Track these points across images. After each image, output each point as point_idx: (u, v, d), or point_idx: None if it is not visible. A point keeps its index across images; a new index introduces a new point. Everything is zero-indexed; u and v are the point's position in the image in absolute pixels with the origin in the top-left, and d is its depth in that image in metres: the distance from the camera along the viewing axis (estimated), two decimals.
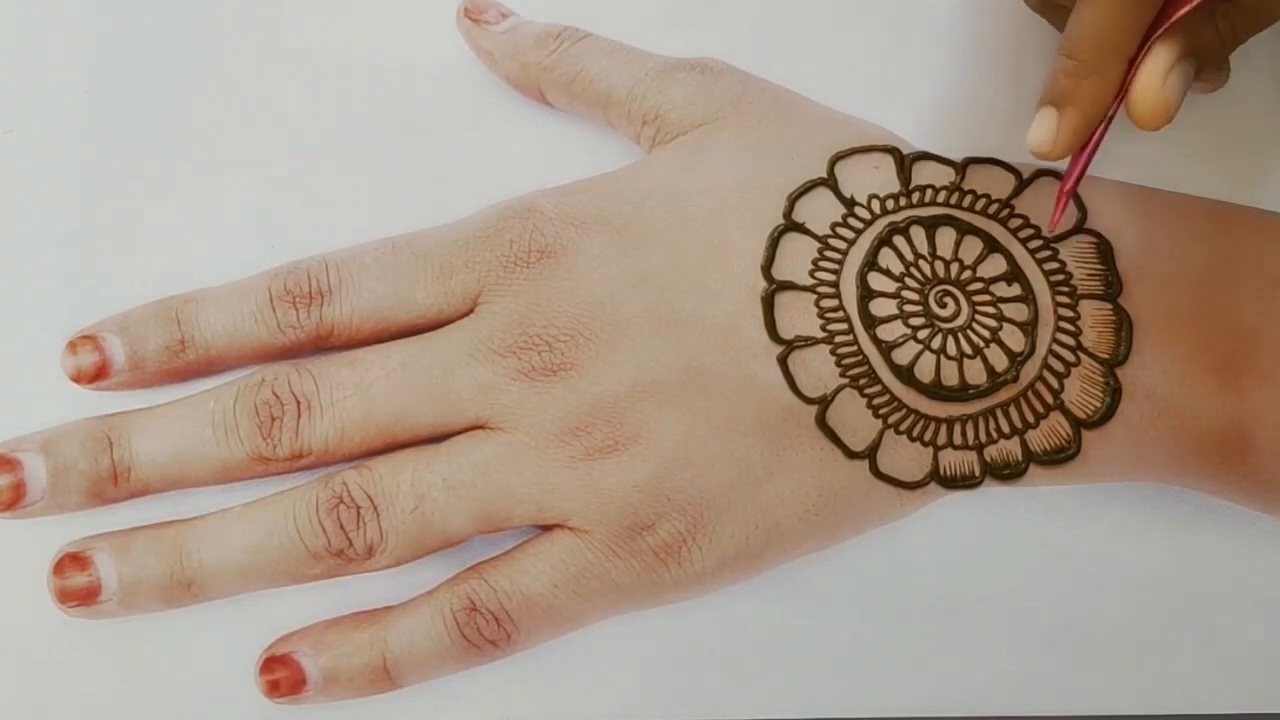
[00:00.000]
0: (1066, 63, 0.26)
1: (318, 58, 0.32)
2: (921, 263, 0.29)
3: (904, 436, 0.28)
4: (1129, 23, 0.26)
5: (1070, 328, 0.28)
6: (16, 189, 0.31)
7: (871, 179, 0.30)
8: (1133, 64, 0.26)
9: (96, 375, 0.29)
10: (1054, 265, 0.29)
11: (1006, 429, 0.28)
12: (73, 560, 0.28)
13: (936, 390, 0.28)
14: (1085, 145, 0.27)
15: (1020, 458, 0.28)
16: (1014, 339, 0.28)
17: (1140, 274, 0.29)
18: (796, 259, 0.29)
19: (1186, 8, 0.25)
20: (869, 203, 0.29)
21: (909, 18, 0.33)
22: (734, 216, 0.29)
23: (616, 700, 0.29)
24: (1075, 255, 0.29)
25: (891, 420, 0.28)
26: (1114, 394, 0.28)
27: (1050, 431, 0.28)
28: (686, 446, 0.27)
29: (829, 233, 0.29)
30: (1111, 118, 0.27)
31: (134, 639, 0.29)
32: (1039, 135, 0.27)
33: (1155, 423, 0.28)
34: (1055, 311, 0.29)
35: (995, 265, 0.29)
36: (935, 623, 0.30)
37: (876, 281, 0.29)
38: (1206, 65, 0.27)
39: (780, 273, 0.29)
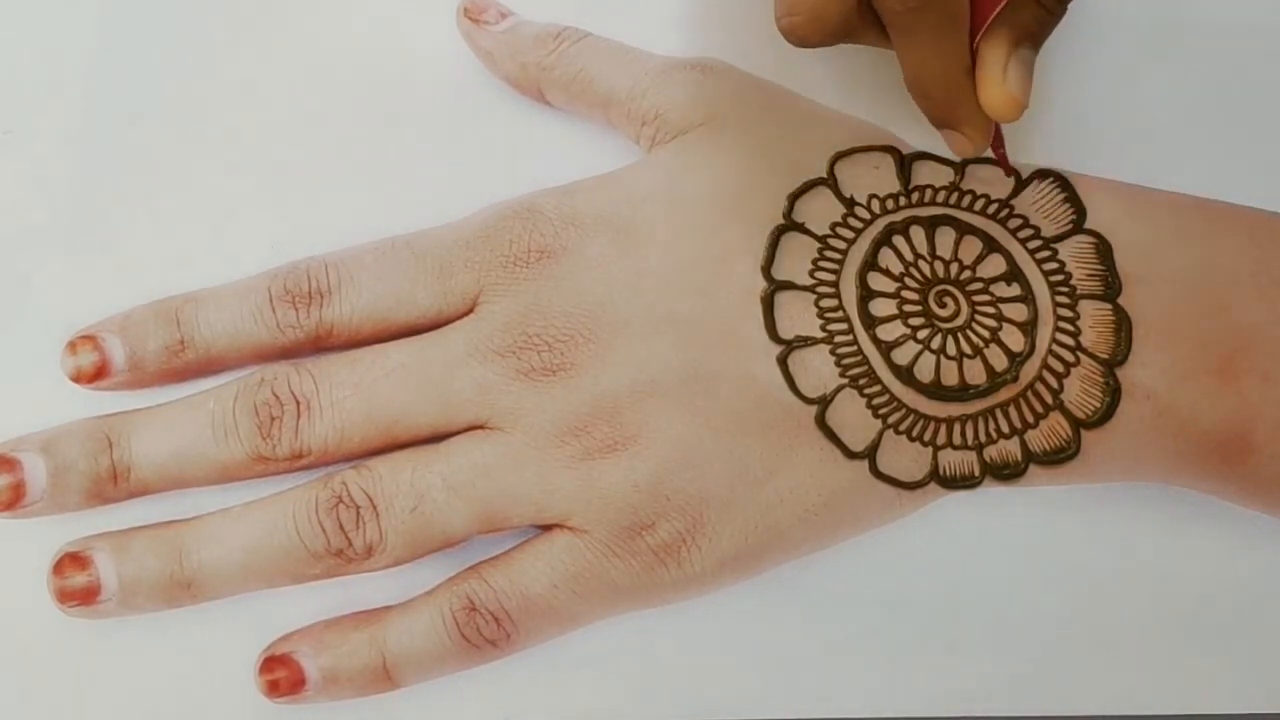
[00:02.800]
0: (925, 103, 0.28)
1: (317, 58, 0.32)
2: (921, 263, 0.29)
3: (904, 436, 0.28)
4: (950, 56, 0.26)
5: (1070, 328, 0.28)
6: (16, 189, 0.31)
7: (871, 179, 0.30)
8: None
9: (96, 375, 0.29)
10: (1053, 265, 0.29)
11: (1006, 429, 0.28)
12: (72, 560, 0.28)
13: (936, 390, 0.28)
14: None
15: (1020, 458, 0.28)
16: (1013, 339, 0.28)
17: (1140, 274, 0.29)
18: (796, 259, 0.29)
19: (991, 15, 0.25)
20: (869, 202, 0.29)
21: None
22: (734, 216, 0.29)
23: (616, 700, 0.29)
24: (1074, 255, 0.29)
25: (891, 420, 0.28)
26: (1114, 394, 0.28)
27: (1050, 431, 0.28)
28: (686, 446, 0.27)
29: (829, 232, 0.29)
30: None
31: (134, 639, 0.29)
32: (961, 148, 0.28)
33: (1155, 423, 0.28)
34: (1055, 311, 0.29)
35: (995, 265, 0.29)
36: (935, 622, 0.30)
37: (876, 281, 0.29)
38: (1045, 32, 0.27)
39: (780, 273, 0.29)
